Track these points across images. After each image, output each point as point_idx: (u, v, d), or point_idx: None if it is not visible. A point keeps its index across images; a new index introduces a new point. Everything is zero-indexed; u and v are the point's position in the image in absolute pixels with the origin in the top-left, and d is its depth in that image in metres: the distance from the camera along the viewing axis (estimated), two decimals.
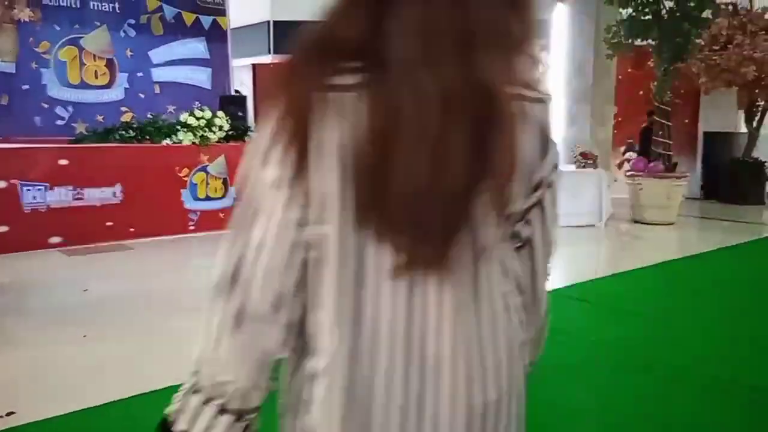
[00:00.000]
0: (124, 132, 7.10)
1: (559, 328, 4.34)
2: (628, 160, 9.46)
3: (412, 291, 0.73)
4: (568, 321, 4.37)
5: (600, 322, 4.49)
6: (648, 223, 8.52)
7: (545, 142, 0.76)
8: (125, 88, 10.40)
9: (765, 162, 10.89)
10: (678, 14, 8.19)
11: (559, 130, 9.92)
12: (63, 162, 6.57)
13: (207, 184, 7.55)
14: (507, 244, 0.78)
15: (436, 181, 0.66)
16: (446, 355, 0.73)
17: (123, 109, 10.31)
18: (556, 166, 0.79)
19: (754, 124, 10.87)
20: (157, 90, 10.73)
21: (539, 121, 0.74)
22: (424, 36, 0.65)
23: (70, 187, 6.59)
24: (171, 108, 10.62)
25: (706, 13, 8.54)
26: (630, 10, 8.49)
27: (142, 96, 10.54)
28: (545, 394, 3.27)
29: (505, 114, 0.67)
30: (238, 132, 7.92)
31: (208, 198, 7.55)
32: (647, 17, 8.37)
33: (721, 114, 11.34)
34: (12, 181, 6.25)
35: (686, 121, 10.97)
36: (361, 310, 0.73)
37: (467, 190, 0.68)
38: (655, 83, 8.63)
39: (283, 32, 12.87)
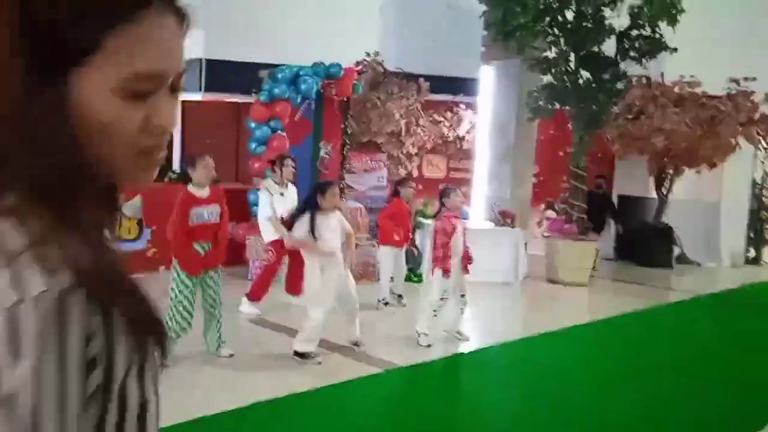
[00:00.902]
0: None
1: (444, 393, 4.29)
2: (548, 218, 9.78)
3: None
4: (462, 389, 4.39)
5: (495, 392, 4.51)
6: (562, 283, 8.77)
7: None
8: None
9: (673, 228, 11.47)
10: (594, 85, 8.64)
11: (480, 188, 10.19)
12: None
13: (120, 224, 7.26)
14: None
15: None
16: None
17: None
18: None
19: (664, 190, 11.47)
20: None
21: None
22: None
23: None
24: None
25: (621, 84, 9.03)
26: (550, 77, 8.90)
27: None
28: None
29: None
30: (158, 171, 7.69)
31: (119, 239, 7.25)
32: (566, 85, 8.78)
33: (634, 179, 11.93)
34: None
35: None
36: None
37: None
38: (572, 149, 9.02)
39: (215, 71, 12.77)
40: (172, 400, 3.71)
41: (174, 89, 0.66)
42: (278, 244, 5.99)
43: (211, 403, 3.65)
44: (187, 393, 3.86)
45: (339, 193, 4.71)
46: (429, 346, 5.19)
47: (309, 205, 4.64)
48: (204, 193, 4.33)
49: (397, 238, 6.59)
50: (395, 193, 6.77)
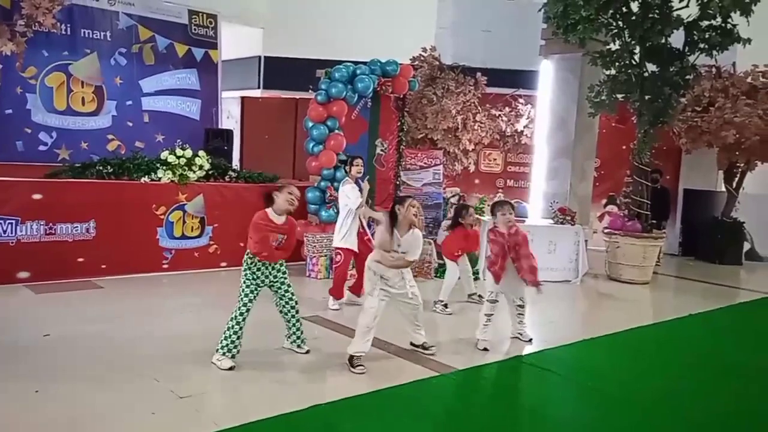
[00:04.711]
0: (101, 168, 7.04)
1: (508, 401, 4.25)
2: (609, 213, 9.52)
3: None
4: (520, 394, 4.32)
5: (554, 397, 4.43)
6: (623, 281, 8.54)
7: None
8: (113, 116, 10.42)
9: (743, 222, 11.00)
10: (660, 78, 8.31)
11: (539, 184, 10.00)
12: (37, 196, 6.51)
13: (184, 222, 7.50)
14: None
15: None
16: None
17: (109, 137, 10.33)
18: None
19: (734, 184, 10.99)
20: (146, 119, 10.76)
21: None
22: None
23: (42, 222, 6.53)
24: (160, 137, 10.65)
25: (689, 76, 8.64)
26: (613, 71, 8.62)
27: (131, 124, 10.55)
28: None
29: None
30: (219, 171, 7.89)
31: (184, 237, 7.49)
32: (631, 78, 8.48)
33: (702, 173, 11.48)
34: None
35: (667, 177, 11.08)
36: None
37: None
38: (635, 144, 8.73)
39: (272, 67, 13.03)
40: (232, 401, 3.82)
41: None
42: (346, 250, 6.25)
43: (269, 406, 3.72)
44: (245, 395, 3.96)
45: (414, 210, 4.73)
46: (485, 350, 5.15)
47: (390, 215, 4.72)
48: (281, 220, 4.45)
49: (457, 253, 6.66)
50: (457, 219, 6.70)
